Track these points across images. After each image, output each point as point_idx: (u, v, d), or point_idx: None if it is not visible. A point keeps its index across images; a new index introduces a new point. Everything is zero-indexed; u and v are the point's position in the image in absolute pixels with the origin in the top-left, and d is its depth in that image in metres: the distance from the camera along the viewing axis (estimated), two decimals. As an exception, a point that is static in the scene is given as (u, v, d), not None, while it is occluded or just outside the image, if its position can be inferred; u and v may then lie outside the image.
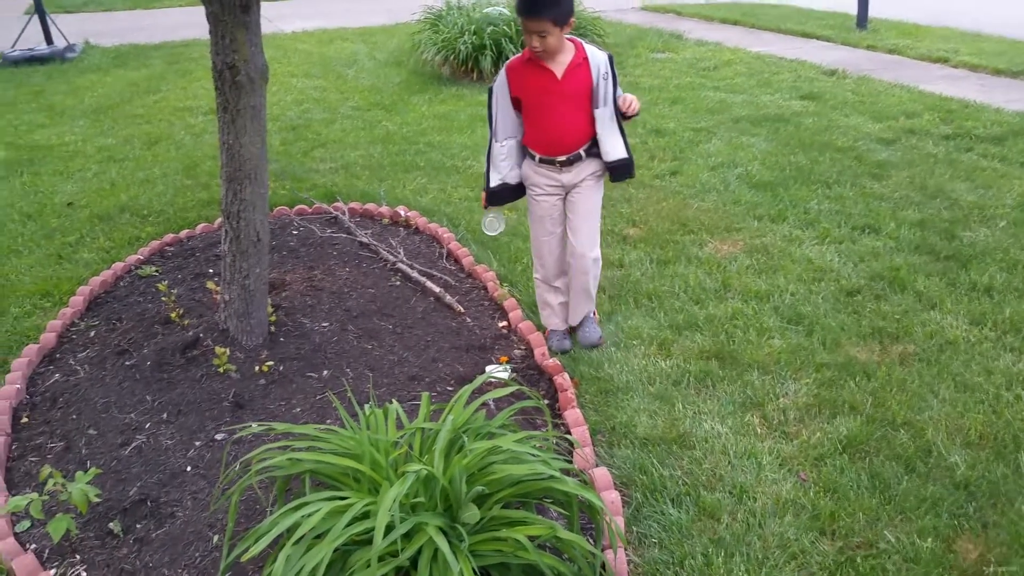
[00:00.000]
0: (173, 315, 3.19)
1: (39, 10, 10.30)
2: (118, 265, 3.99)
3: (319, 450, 1.99)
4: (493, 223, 3.19)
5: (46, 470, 2.21)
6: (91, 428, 2.72)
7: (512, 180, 3.06)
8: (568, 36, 2.95)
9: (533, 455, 1.96)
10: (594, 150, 3.03)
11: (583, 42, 3.01)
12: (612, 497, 2.29)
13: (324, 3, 14.19)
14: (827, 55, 8.45)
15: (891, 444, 2.55)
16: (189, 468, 2.51)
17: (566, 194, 3.10)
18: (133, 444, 2.62)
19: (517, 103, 2.96)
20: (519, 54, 2.98)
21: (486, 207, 3.15)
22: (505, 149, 3.00)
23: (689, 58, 8.56)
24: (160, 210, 4.91)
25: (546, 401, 2.89)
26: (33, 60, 9.55)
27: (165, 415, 2.73)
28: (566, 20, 2.79)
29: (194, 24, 11.99)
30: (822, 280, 3.63)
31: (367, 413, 2.18)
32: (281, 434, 2.49)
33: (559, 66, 2.90)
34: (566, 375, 2.96)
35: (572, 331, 3.32)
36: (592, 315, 3.32)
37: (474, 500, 1.89)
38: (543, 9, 2.71)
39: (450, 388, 2.92)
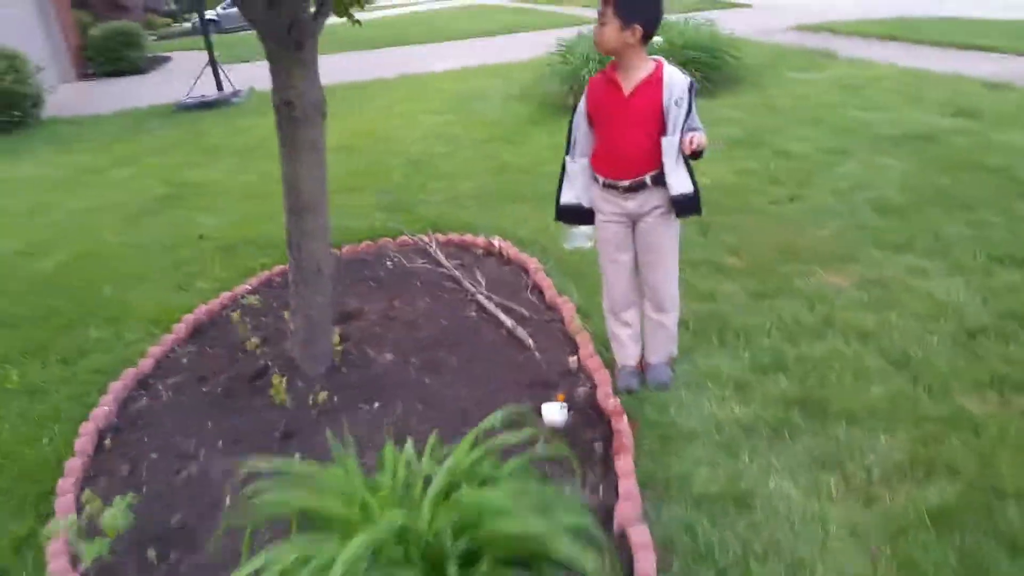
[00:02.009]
0: (249, 344, 3.29)
1: (211, 61, 11.36)
2: (225, 295, 4.20)
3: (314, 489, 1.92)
4: (574, 237, 3.03)
5: (87, 494, 2.31)
6: (154, 453, 2.84)
7: (587, 202, 2.88)
8: (654, 57, 2.75)
9: (538, 508, 1.80)
10: (662, 180, 2.77)
11: (665, 62, 2.77)
12: (646, 566, 2.05)
13: (479, 43, 14.68)
14: (992, 67, 7.60)
15: (993, 518, 2.12)
16: (228, 499, 2.53)
17: (634, 224, 2.91)
18: (185, 471, 2.70)
19: (591, 119, 2.79)
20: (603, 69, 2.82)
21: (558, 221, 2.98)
22: (578, 167, 2.84)
23: (834, 76, 7.98)
24: (278, 243, 5.15)
25: (600, 445, 2.68)
26: (203, 106, 10.51)
27: (220, 443, 2.80)
28: (632, 19, 2.54)
29: (355, 68, 12.77)
30: (941, 317, 3.17)
31: (384, 452, 2.10)
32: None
33: (629, 82, 2.70)
34: (625, 418, 2.74)
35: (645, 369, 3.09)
36: (668, 355, 3.09)
37: (463, 557, 1.74)
38: None
39: (497, 428, 2.78)
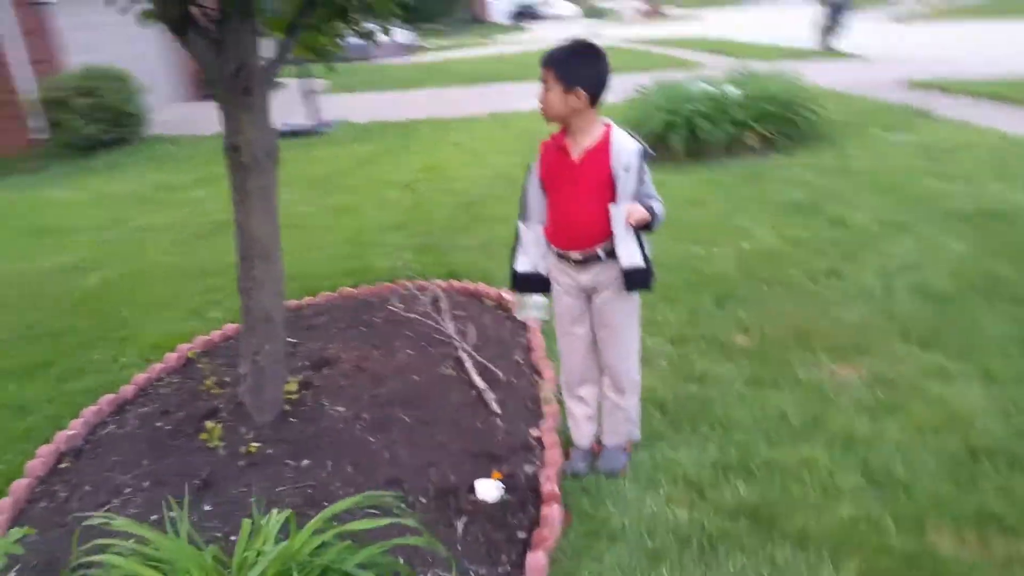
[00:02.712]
0: (207, 383, 3.28)
1: (306, 91, 11.79)
2: (229, 327, 4.24)
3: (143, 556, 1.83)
4: (527, 306, 2.86)
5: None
6: (88, 485, 2.84)
7: (544, 269, 2.69)
8: (605, 120, 2.61)
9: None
10: (614, 252, 2.57)
11: (615, 125, 2.61)
12: None
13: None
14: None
15: None
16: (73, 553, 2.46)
17: (589, 297, 2.72)
18: (108, 506, 2.68)
19: (543, 185, 2.62)
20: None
21: (512, 290, 2.80)
22: (532, 235, 2.65)
23: (923, 139, 7.43)
24: (306, 274, 5.19)
25: (524, 533, 2.48)
26: (291, 134, 10.90)
27: (146, 484, 2.77)
28: (574, 83, 2.41)
29: (444, 104, 13.00)
30: (946, 431, 2.78)
31: (253, 521, 2.00)
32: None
33: (578, 148, 2.53)
34: (556, 507, 2.53)
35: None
36: (626, 439, 2.87)
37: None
38: (550, 59, 2.44)
39: (423, 500, 2.63)
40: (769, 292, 4.15)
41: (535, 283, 2.73)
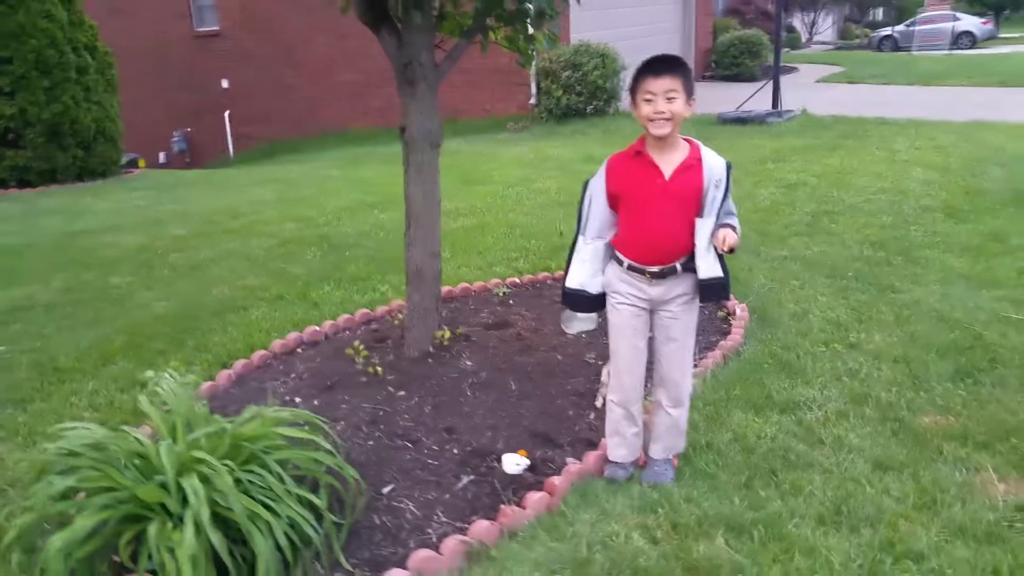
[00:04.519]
0: (392, 317, 4.01)
1: (775, 78, 11.63)
2: (516, 279, 4.92)
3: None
4: (575, 320, 2.93)
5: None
6: (282, 365, 3.83)
7: (592, 289, 2.72)
8: (684, 136, 2.57)
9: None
10: (691, 265, 2.58)
11: (700, 144, 2.58)
12: None
13: None
14: None
15: None
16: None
17: (651, 310, 2.68)
18: (284, 381, 3.61)
19: (615, 201, 2.65)
20: (624, 150, 2.67)
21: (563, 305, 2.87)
22: (591, 249, 2.69)
23: None
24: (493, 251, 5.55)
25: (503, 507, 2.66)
26: (738, 120, 10.97)
27: (305, 375, 3.61)
28: (692, 92, 2.48)
29: (939, 101, 11.55)
30: None
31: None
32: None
33: (668, 164, 2.55)
34: (544, 495, 2.65)
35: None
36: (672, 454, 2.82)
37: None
38: (674, 67, 2.47)
39: (455, 451, 2.95)
40: None
41: (582, 301, 2.76)
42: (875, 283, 4.53)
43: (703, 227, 2.53)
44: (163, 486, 2.24)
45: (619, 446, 2.84)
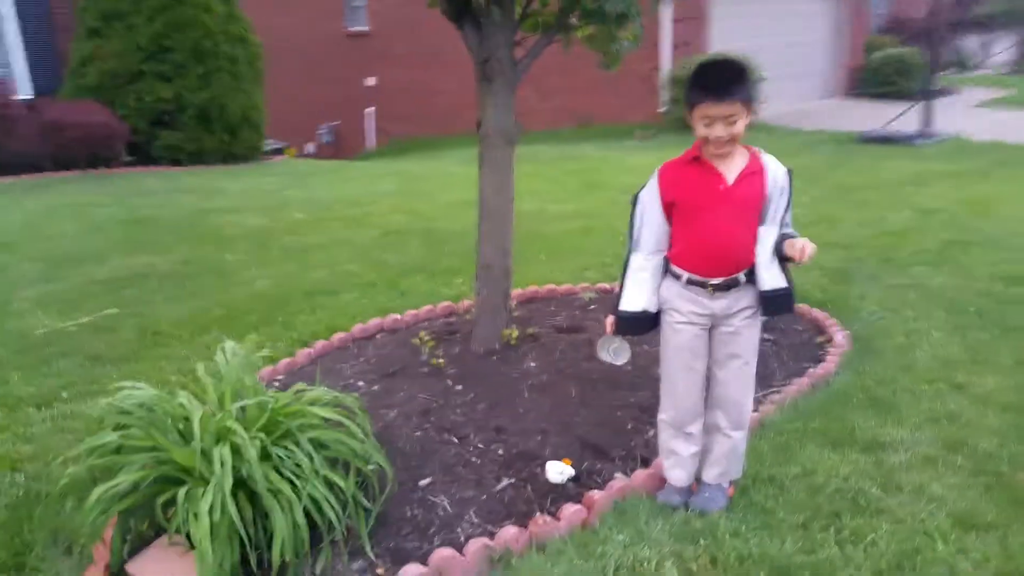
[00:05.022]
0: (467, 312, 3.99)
1: (928, 98, 10.80)
2: (583, 285, 4.82)
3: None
4: (619, 349, 2.74)
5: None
6: (357, 347, 3.89)
7: (653, 308, 2.54)
8: (743, 144, 2.41)
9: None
10: (754, 277, 2.43)
11: (761, 150, 2.44)
12: None
13: None
14: None
15: None
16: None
17: (712, 326, 2.51)
18: (351, 365, 3.67)
19: (670, 210, 2.47)
20: (679, 156, 2.51)
21: (612, 333, 2.64)
22: (650, 265, 2.51)
23: None
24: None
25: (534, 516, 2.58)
26: (882, 139, 10.27)
27: (374, 360, 3.64)
28: (754, 103, 2.35)
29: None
30: None
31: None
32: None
33: (731, 171, 2.39)
34: (577, 509, 2.54)
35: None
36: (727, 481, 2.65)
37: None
38: (735, 88, 2.27)
39: (500, 452, 2.89)
40: None
41: (641, 324, 2.58)
42: (999, 322, 4.08)
43: (767, 236, 2.39)
44: (203, 452, 2.31)
45: (675, 466, 2.67)
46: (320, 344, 3.93)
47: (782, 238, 2.38)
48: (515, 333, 3.63)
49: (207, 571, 2.12)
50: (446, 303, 4.39)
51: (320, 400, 2.53)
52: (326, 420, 2.51)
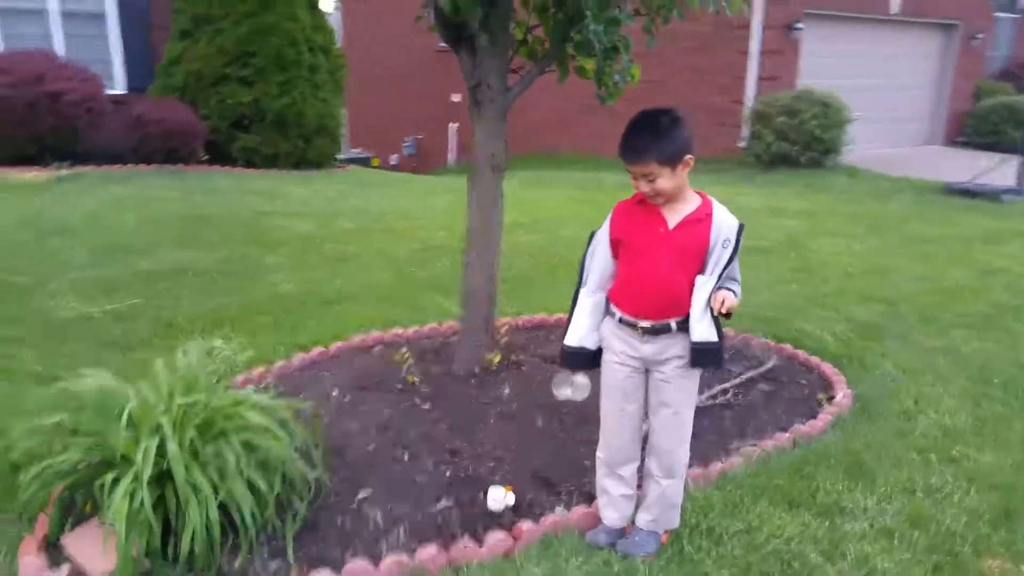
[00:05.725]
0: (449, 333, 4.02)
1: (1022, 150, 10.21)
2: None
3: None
4: (579, 386, 2.72)
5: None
6: (344, 358, 3.97)
7: (591, 344, 2.53)
8: (698, 191, 2.38)
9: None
10: (687, 326, 2.38)
11: (715, 200, 2.38)
12: None
13: None
14: None
15: None
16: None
17: (647, 370, 2.47)
18: (329, 376, 3.75)
19: (617, 248, 2.46)
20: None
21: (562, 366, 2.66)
22: (592, 302, 2.50)
23: None
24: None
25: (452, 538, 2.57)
26: (966, 192, 9.74)
27: (351, 375, 3.71)
28: (678, 158, 2.29)
29: None
30: None
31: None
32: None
33: (675, 215, 2.37)
34: (499, 535, 2.53)
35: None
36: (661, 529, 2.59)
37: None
38: (643, 151, 2.28)
39: (458, 473, 2.91)
40: None
41: (580, 359, 2.57)
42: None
43: (704, 285, 2.33)
44: (135, 441, 2.42)
45: (608, 506, 2.63)
46: (317, 351, 4.04)
47: (718, 290, 2.32)
48: (497, 358, 3.63)
49: (121, 550, 2.23)
50: (451, 322, 4.43)
51: (257, 405, 2.60)
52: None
